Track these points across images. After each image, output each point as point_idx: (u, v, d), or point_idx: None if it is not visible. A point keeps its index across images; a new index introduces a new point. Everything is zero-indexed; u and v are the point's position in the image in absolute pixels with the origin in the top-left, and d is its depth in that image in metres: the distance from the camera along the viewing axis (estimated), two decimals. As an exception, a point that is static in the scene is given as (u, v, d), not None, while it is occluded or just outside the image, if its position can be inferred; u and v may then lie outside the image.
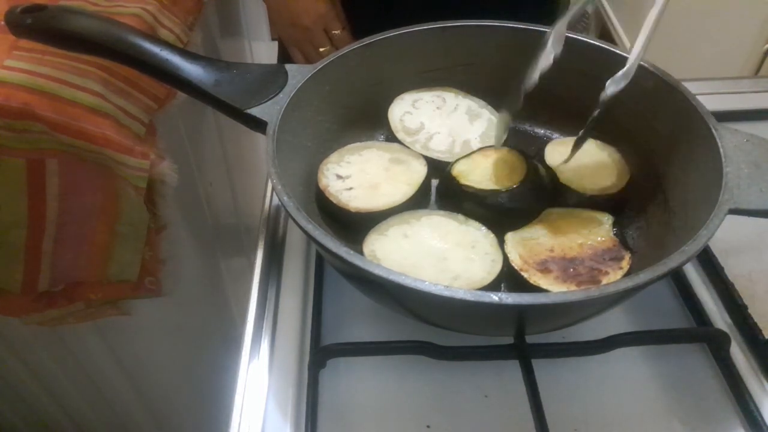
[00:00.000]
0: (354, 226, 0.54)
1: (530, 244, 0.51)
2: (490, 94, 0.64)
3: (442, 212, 0.54)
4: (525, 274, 0.48)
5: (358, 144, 0.60)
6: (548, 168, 0.57)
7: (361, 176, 0.57)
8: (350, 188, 0.56)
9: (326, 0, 0.78)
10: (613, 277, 0.48)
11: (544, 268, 0.49)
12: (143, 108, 0.67)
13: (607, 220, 0.53)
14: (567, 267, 0.49)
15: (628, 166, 0.57)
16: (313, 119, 0.57)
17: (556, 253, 0.50)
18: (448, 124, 0.63)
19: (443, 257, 0.50)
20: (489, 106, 0.64)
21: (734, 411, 0.47)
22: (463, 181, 0.54)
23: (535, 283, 0.47)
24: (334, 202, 0.54)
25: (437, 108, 0.63)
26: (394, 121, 0.62)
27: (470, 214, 0.53)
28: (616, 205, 0.55)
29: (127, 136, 0.63)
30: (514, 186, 0.53)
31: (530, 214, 0.54)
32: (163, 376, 0.97)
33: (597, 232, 0.51)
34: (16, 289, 0.67)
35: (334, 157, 0.58)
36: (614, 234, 0.51)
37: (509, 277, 0.50)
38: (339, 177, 0.56)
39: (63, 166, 0.62)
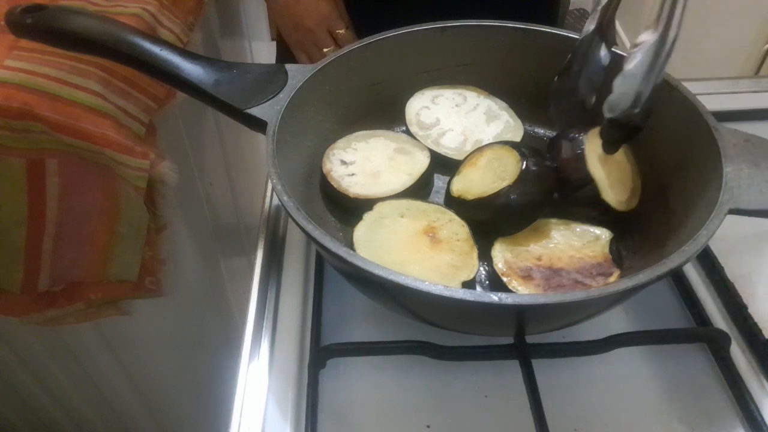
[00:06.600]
0: (354, 211, 0.54)
1: (518, 251, 0.50)
2: (491, 94, 0.64)
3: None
4: (505, 279, 0.48)
5: (366, 131, 0.60)
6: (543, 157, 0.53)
7: (364, 163, 0.57)
8: (352, 174, 0.56)
9: (329, 0, 0.78)
10: None
11: (526, 275, 0.48)
12: (143, 108, 0.67)
13: (605, 237, 0.51)
14: (550, 276, 0.48)
15: (639, 180, 0.55)
16: (313, 119, 0.57)
17: (543, 263, 0.49)
18: (463, 122, 0.62)
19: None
20: (510, 109, 0.63)
21: (734, 411, 0.47)
22: (470, 197, 0.52)
23: (513, 289, 0.47)
24: (335, 186, 0.55)
25: (456, 106, 0.63)
26: (410, 114, 0.62)
27: (488, 224, 0.52)
28: (619, 218, 0.53)
29: (127, 136, 0.63)
30: (513, 182, 0.50)
31: (538, 205, 0.51)
32: (163, 375, 0.97)
33: (591, 247, 0.50)
34: (16, 289, 0.67)
35: (341, 143, 0.59)
36: (610, 251, 0.50)
37: (493, 282, 0.51)
38: (343, 162, 0.57)
39: (63, 166, 0.62)
